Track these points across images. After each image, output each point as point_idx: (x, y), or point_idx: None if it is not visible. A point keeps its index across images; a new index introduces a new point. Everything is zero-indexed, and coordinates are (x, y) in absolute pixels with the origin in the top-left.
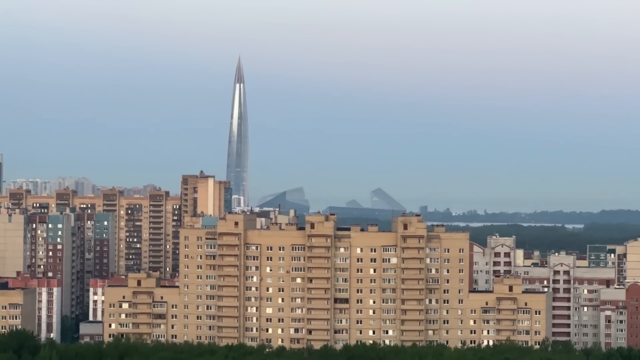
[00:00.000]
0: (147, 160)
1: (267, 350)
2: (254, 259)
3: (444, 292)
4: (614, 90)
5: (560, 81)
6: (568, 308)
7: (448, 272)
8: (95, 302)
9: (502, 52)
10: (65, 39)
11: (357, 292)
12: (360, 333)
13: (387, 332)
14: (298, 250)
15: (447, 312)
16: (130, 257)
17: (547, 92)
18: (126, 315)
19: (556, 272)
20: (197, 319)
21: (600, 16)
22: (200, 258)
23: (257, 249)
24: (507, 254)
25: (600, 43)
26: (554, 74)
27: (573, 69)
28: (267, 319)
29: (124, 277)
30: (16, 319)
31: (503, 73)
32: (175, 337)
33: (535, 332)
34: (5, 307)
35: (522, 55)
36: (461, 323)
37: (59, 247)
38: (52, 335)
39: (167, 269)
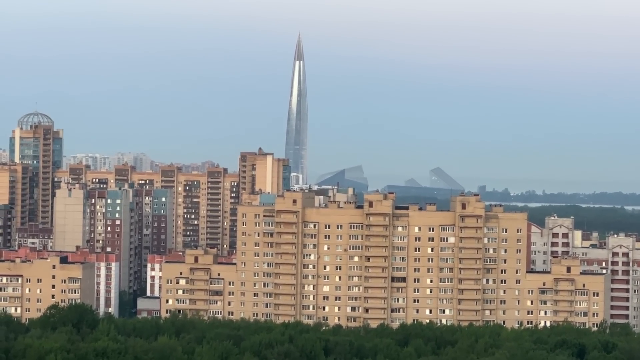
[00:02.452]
0: (206, 137)
1: (324, 328)
2: (311, 237)
3: (502, 272)
4: None
5: (620, 61)
6: (627, 290)
7: (506, 252)
8: (152, 277)
9: (558, 34)
10: (126, 16)
11: (415, 271)
12: (417, 312)
13: (443, 311)
14: (356, 228)
15: (505, 292)
16: (188, 233)
17: (606, 72)
18: (183, 292)
19: (615, 254)
20: (254, 296)
21: None
22: (258, 235)
23: (315, 226)
24: (565, 235)
25: None
26: (609, 52)
27: (630, 51)
28: (324, 297)
29: (181, 253)
30: (75, 293)
31: (559, 55)
32: (232, 314)
33: (593, 313)
34: (65, 281)
35: (580, 37)
36: (518, 303)
37: (118, 222)
38: (110, 309)
39: (225, 246)
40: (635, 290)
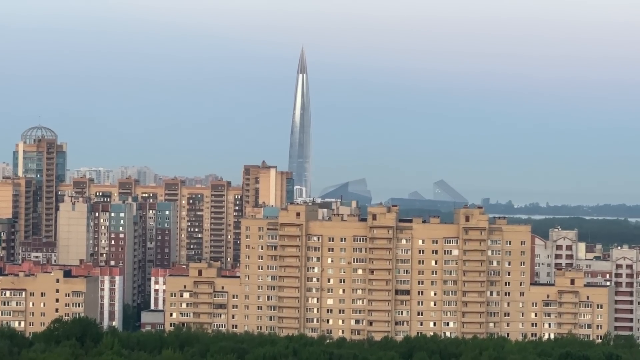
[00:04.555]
0: (209, 150)
1: (328, 341)
2: (315, 250)
3: (505, 285)
4: None
5: (625, 70)
6: (631, 302)
7: (509, 264)
8: (156, 291)
9: (568, 41)
10: (129, 30)
11: (418, 283)
12: (421, 325)
13: (447, 324)
14: (360, 241)
15: (508, 305)
16: (192, 246)
17: (611, 82)
18: (187, 305)
19: (619, 266)
20: (258, 309)
21: None
22: (262, 248)
23: (318, 239)
24: (569, 247)
25: None
26: (616, 62)
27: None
28: (327, 310)
29: (185, 266)
30: (79, 306)
31: (564, 66)
32: (236, 327)
33: (597, 326)
34: (69, 294)
35: (584, 45)
36: (522, 316)
37: (121, 236)
38: (114, 323)
39: (228, 259)
40: (639, 302)
